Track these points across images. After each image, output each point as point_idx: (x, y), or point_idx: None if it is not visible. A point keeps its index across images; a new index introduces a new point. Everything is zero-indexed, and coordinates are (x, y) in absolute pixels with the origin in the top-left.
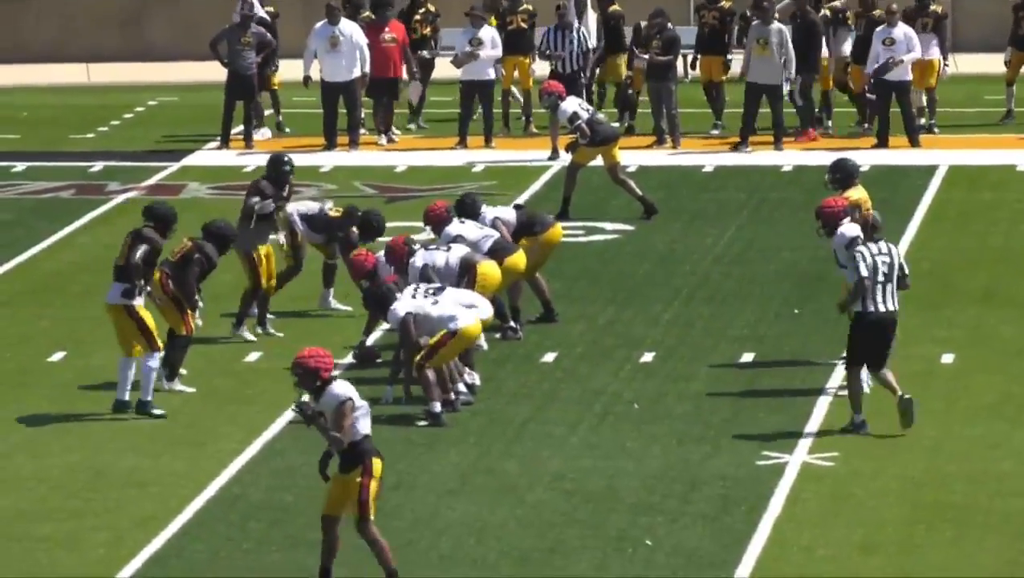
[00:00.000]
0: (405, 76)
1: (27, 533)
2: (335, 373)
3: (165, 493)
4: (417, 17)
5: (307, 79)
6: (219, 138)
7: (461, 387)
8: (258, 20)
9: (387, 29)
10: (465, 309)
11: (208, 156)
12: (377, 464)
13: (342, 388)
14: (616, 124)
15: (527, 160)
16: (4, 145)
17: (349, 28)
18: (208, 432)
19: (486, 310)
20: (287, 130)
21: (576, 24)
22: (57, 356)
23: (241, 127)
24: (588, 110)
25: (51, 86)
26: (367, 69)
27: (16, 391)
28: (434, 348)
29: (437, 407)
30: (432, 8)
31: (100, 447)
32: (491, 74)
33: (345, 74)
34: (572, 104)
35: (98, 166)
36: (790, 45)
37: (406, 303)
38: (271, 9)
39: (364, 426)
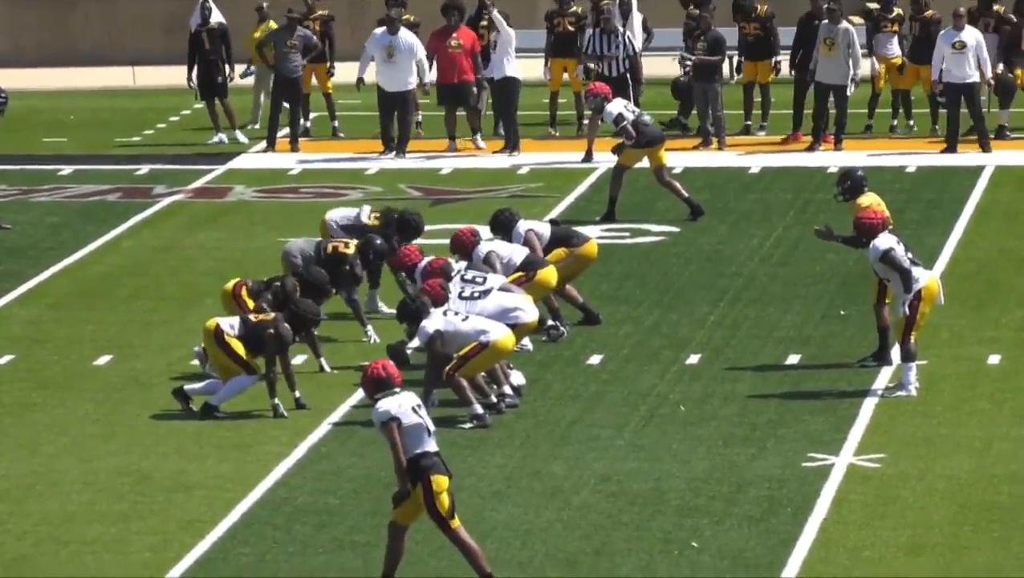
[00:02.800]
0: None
1: (74, 536)
2: (393, 391)
3: (211, 496)
4: (483, 23)
5: (360, 81)
6: (265, 141)
7: (507, 389)
8: (219, 26)
9: (454, 35)
10: (499, 322)
11: (254, 159)
12: (438, 481)
13: (386, 406)
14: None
15: (571, 162)
16: (51, 148)
17: (407, 38)
18: (254, 435)
19: (531, 313)
20: (341, 135)
21: (621, 28)
22: (103, 359)
23: (287, 129)
24: (634, 112)
25: (98, 89)
26: (426, 79)
27: (63, 394)
28: (464, 358)
29: (478, 409)
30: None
31: (146, 450)
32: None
33: (400, 84)
34: (618, 105)
35: (144, 169)
36: (857, 45)
37: (436, 320)
38: (325, 12)
39: (419, 442)
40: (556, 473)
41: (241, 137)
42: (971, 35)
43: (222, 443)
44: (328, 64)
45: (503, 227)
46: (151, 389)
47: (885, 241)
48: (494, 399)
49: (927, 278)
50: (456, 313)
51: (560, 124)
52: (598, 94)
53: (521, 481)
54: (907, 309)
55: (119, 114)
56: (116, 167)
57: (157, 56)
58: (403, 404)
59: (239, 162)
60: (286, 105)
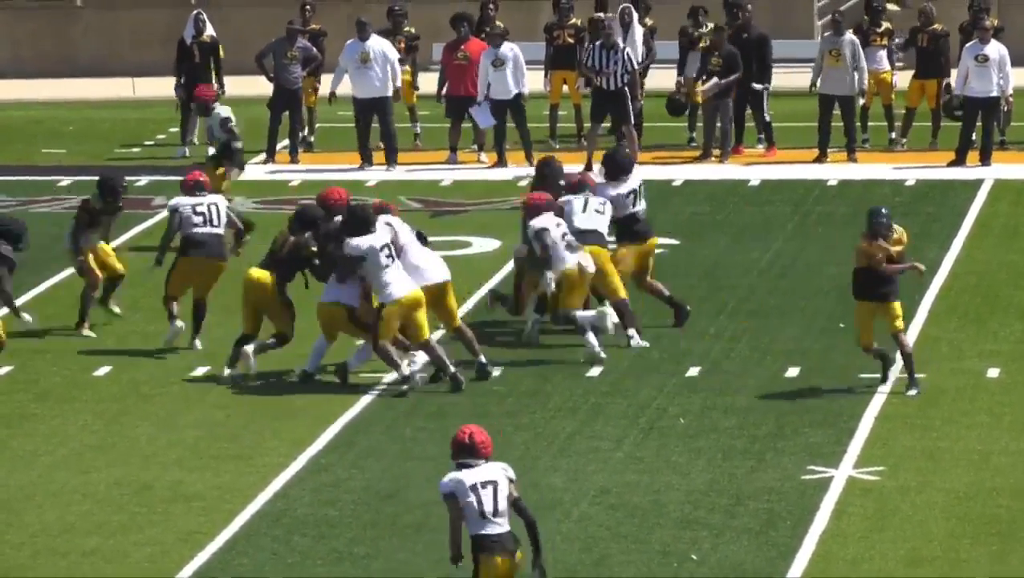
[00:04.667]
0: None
1: (73, 547)
2: (473, 463)
3: (210, 507)
4: (482, 36)
5: (332, 95)
6: (265, 152)
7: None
8: (211, 39)
9: (463, 47)
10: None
11: (254, 170)
12: (487, 566)
13: (448, 478)
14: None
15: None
16: (51, 159)
17: (380, 44)
18: (253, 446)
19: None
20: (313, 150)
21: (621, 43)
22: (103, 370)
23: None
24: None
25: (97, 100)
26: (399, 84)
27: (62, 405)
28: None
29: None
30: (501, 25)
31: (145, 462)
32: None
33: (376, 90)
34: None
35: (144, 180)
36: (862, 56)
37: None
38: (317, 26)
39: (475, 524)
40: (555, 485)
41: (212, 151)
42: (995, 49)
43: (221, 454)
44: (316, 78)
45: (623, 169)
46: (150, 400)
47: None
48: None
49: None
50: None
51: (560, 137)
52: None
53: (521, 493)
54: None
55: (119, 125)
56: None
57: (157, 67)
58: (465, 480)
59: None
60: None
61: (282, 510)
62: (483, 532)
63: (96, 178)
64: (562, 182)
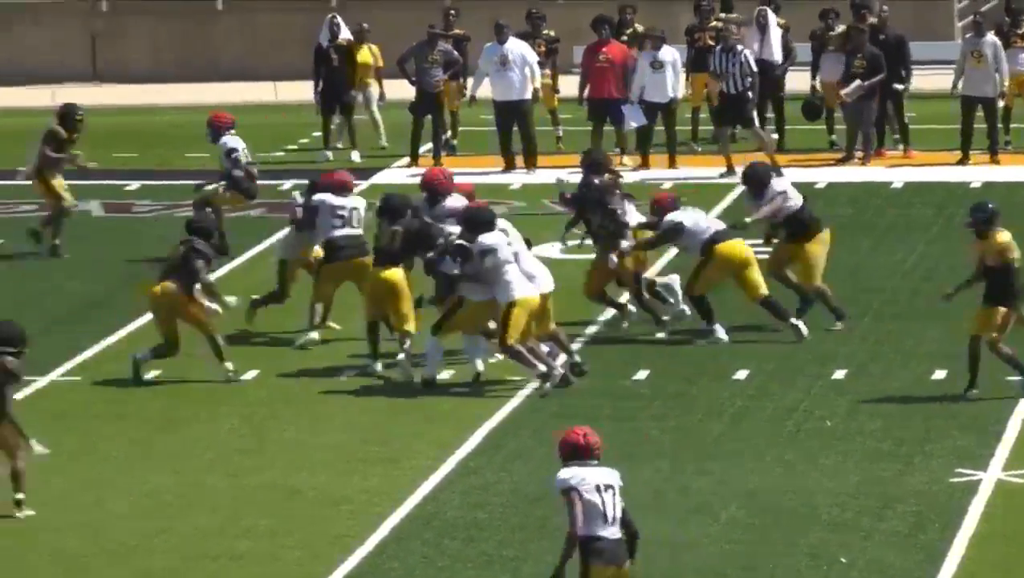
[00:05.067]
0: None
1: (223, 551)
2: (587, 462)
3: (359, 511)
4: (623, 38)
5: (472, 98)
6: (408, 156)
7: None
8: (347, 43)
9: (603, 50)
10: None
11: (397, 174)
12: (596, 573)
13: (567, 474)
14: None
15: (711, 178)
16: (195, 163)
17: (518, 47)
18: (401, 450)
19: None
20: (456, 153)
21: (740, 46)
22: (251, 374)
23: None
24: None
25: (239, 104)
26: (538, 86)
27: (210, 409)
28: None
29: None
30: (640, 29)
31: (294, 465)
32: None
33: (516, 93)
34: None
35: (287, 184)
36: (1003, 57)
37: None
38: (460, 31)
39: (592, 524)
40: (703, 488)
41: (356, 156)
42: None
43: (369, 458)
44: (461, 82)
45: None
46: (298, 403)
47: None
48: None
49: None
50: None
51: (702, 140)
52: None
53: (668, 496)
54: None
55: (261, 129)
56: (259, 182)
57: (298, 71)
58: (588, 479)
59: (381, 177)
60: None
61: (431, 513)
62: (600, 533)
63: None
64: None
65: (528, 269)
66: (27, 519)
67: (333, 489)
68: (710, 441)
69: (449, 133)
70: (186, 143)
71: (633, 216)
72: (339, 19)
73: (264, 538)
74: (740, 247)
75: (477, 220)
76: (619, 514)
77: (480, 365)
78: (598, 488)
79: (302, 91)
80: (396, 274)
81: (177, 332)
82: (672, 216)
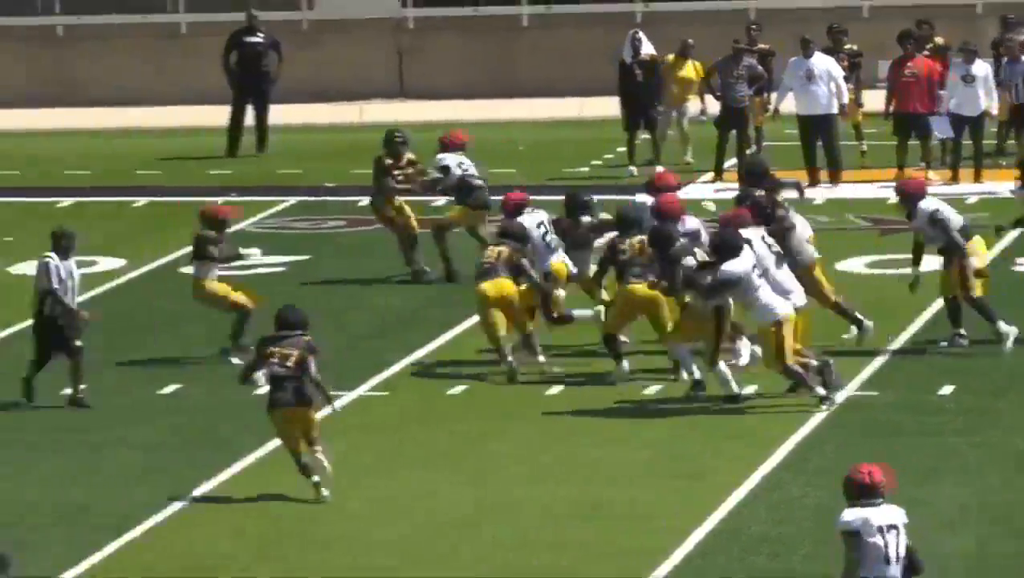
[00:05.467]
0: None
1: (527, 564)
2: (872, 501)
3: (664, 525)
4: (925, 52)
5: (776, 112)
6: (713, 171)
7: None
8: (650, 58)
9: (909, 64)
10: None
11: (702, 189)
12: None
13: (851, 516)
14: None
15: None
16: (502, 179)
17: (824, 62)
18: (706, 465)
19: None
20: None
21: None
22: (555, 390)
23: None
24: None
25: (544, 120)
26: (844, 101)
27: (516, 423)
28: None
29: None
30: (940, 41)
31: (599, 479)
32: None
33: (821, 107)
34: None
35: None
36: None
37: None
38: (765, 46)
39: (873, 567)
40: (1012, 502)
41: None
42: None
43: (673, 473)
44: (765, 97)
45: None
46: (602, 418)
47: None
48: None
49: None
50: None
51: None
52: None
53: (973, 512)
54: None
55: (565, 145)
56: (559, 198)
57: (603, 86)
58: (872, 520)
59: (687, 192)
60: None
61: (736, 528)
62: (881, 575)
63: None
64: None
65: (782, 285)
66: (333, 533)
67: (638, 504)
68: (1017, 455)
69: (753, 148)
70: (494, 159)
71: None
72: (641, 35)
73: (569, 552)
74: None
75: (726, 245)
76: (902, 553)
77: (697, 373)
78: (881, 529)
79: (607, 107)
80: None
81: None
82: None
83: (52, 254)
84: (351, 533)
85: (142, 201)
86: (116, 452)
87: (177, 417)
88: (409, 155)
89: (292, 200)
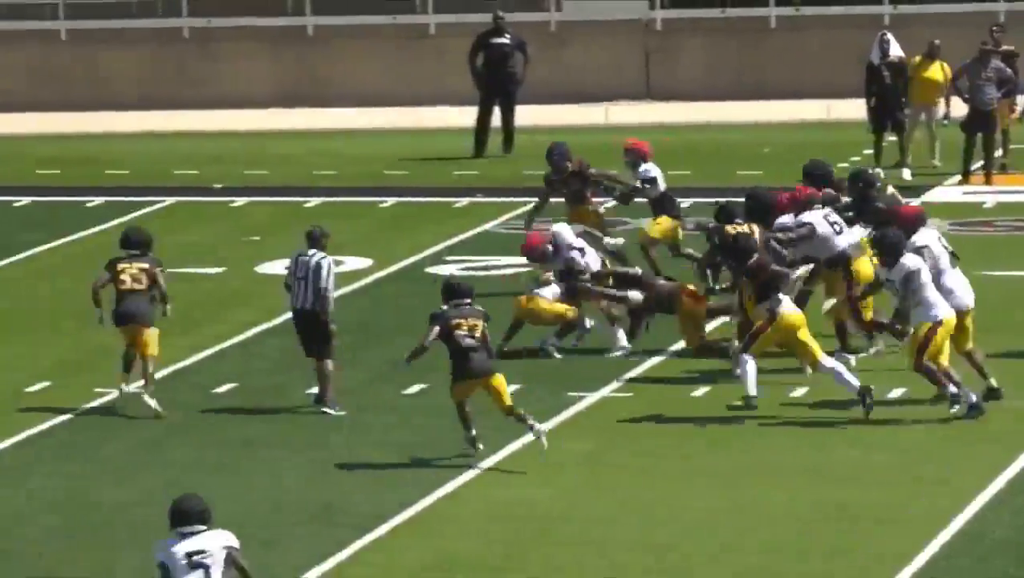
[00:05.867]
0: None
1: (783, 570)
2: None
3: (909, 529)
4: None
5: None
6: (960, 173)
7: None
8: (899, 60)
9: None
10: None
11: (948, 192)
12: None
13: None
14: None
15: None
16: (747, 181)
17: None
18: (952, 469)
19: None
20: (1011, 170)
21: None
22: (799, 391)
23: (980, 163)
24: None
25: (791, 122)
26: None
27: (761, 424)
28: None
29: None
30: None
31: (845, 482)
32: None
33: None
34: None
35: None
36: None
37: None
38: (1010, 47)
39: None
40: None
41: (907, 174)
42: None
43: (919, 476)
44: (1013, 99)
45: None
46: (843, 422)
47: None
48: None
49: None
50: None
51: None
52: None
53: None
54: None
55: (811, 147)
56: None
57: (851, 88)
58: None
59: (933, 195)
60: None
61: (980, 532)
62: None
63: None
64: None
65: (949, 285)
66: (579, 535)
67: (883, 507)
68: None
69: (1000, 151)
70: (740, 161)
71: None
72: (889, 36)
73: (814, 555)
74: None
75: (889, 245)
76: None
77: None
78: None
79: (854, 109)
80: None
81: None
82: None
83: (316, 252)
84: (598, 535)
85: (390, 201)
86: (362, 452)
87: (422, 418)
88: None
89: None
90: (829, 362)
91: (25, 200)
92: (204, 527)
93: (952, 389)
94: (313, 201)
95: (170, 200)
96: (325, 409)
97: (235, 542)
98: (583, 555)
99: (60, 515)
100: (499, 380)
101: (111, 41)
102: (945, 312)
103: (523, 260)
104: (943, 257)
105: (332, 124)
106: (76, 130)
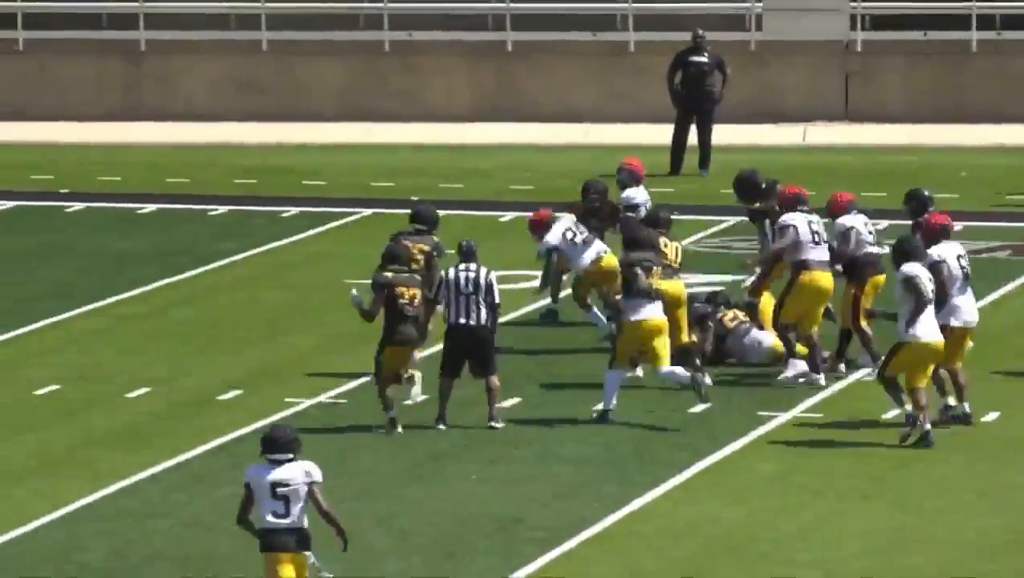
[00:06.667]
0: None
1: None
2: None
3: None
4: None
5: None
6: None
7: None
8: None
9: None
10: None
11: None
12: None
13: None
14: None
15: None
16: (944, 204)
17: None
18: None
19: None
20: None
21: None
22: (991, 416)
23: None
24: None
25: (989, 146)
26: None
27: (943, 450)
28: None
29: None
30: None
31: (1019, 510)
32: None
33: None
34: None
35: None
36: None
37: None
38: None
39: None
40: None
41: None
42: None
43: None
44: None
45: None
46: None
47: None
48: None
49: None
50: None
51: None
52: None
53: None
54: None
55: (1012, 172)
56: (1006, 224)
57: None
58: None
59: None
60: None
61: None
62: None
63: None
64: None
65: (957, 302)
66: (762, 552)
67: None
68: None
69: None
70: (935, 184)
71: None
72: None
73: None
74: None
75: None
76: None
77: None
78: None
79: None
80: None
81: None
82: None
83: (478, 266)
84: (783, 555)
85: None
86: (549, 466)
87: (609, 434)
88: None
89: (732, 220)
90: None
91: (221, 209)
92: (291, 456)
93: (910, 409)
94: (508, 216)
95: (366, 212)
96: (493, 425)
97: (318, 476)
98: (767, 575)
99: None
100: None
101: (312, 53)
102: (926, 334)
103: (717, 277)
104: (957, 275)
105: (529, 139)
106: (274, 140)
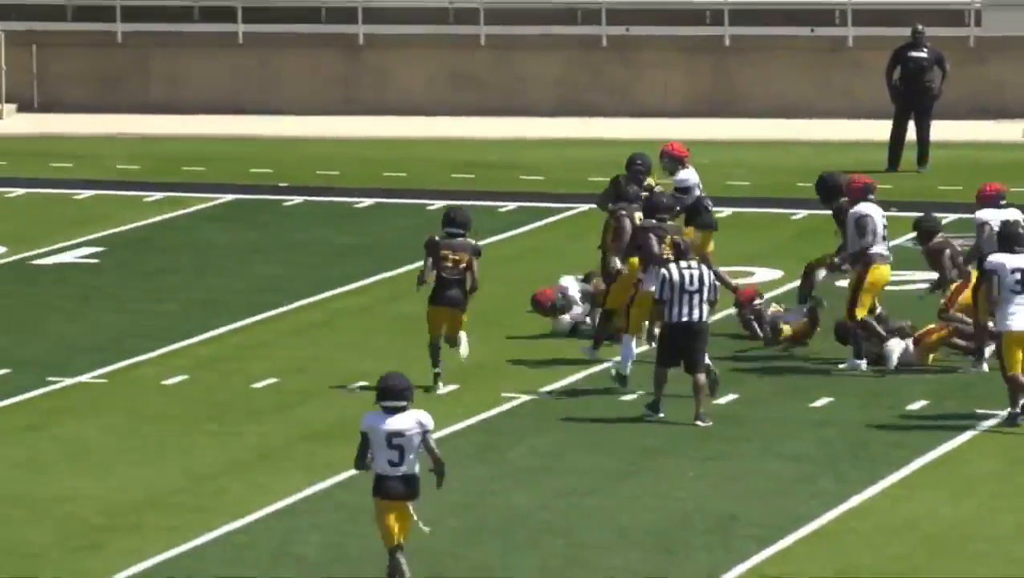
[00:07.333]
0: None
1: None
2: None
3: None
4: None
5: None
6: None
7: None
8: None
9: None
10: None
11: None
12: None
13: None
14: None
15: None
16: None
17: None
18: None
19: None
20: None
21: None
22: None
23: None
24: None
25: None
26: None
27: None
28: None
29: None
30: None
31: None
32: None
33: None
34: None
35: None
36: None
37: None
38: None
39: None
40: None
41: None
42: None
43: None
44: None
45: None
46: None
47: None
48: None
49: None
50: None
51: None
52: None
53: None
54: None
55: None
56: None
57: None
58: None
59: None
60: None
61: None
62: None
63: None
64: None
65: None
66: (979, 552)
67: None
68: None
69: None
70: None
71: None
72: None
73: None
74: None
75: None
76: None
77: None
78: None
79: None
80: None
81: None
82: None
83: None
84: (1002, 554)
85: (801, 213)
86: (765, 464)
87: (826, 430)
88: (649, 180)
89: (953, 216)
90: None
91: (439, 204)
92: (405, 403)
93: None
94: (726, 211)
95: (583, 207)
96: (698, 422)
97: (430, 424)
98: (985, 573)
99: (461, 518)
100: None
101: (529, 47)
102: (1018, 324)
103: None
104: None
105: (745, 134)
106: (492, 135)
